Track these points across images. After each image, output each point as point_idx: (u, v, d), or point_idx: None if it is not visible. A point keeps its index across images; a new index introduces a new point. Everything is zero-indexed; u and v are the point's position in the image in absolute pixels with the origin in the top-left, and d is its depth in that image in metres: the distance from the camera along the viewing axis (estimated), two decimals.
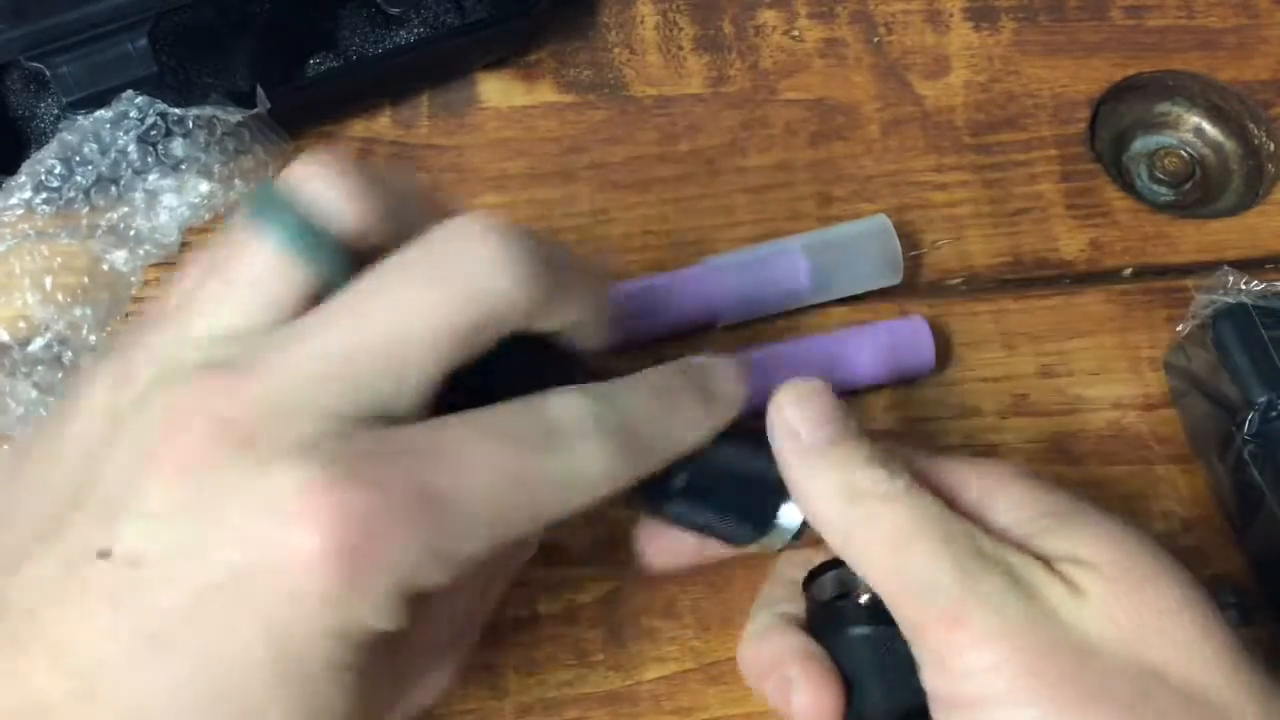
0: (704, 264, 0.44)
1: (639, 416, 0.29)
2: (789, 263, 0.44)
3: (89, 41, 0.42)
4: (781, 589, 0.35)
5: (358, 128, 0.48)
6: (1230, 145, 0.51)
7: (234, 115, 0.42)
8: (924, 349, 0.43)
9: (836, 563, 0.33)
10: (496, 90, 0.49)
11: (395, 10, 0.47)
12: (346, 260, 0.27)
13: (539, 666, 0.39)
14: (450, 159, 0.48)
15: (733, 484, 0.32)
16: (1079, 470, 0.43)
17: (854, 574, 0.31)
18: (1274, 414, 0.39)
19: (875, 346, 0.43)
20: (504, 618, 0.39)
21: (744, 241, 0.46)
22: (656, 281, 0.44)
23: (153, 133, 0.42)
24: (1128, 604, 0.29)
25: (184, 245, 0.43)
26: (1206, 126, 0.51)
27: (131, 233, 0.42)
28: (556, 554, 0.40)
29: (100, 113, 0.42)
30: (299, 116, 0.47)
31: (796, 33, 0.51)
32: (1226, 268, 0.42)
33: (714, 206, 0.47)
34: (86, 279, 0.41)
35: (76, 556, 0.25)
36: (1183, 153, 0.50)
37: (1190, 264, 0.47)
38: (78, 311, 0.41)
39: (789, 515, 0.32)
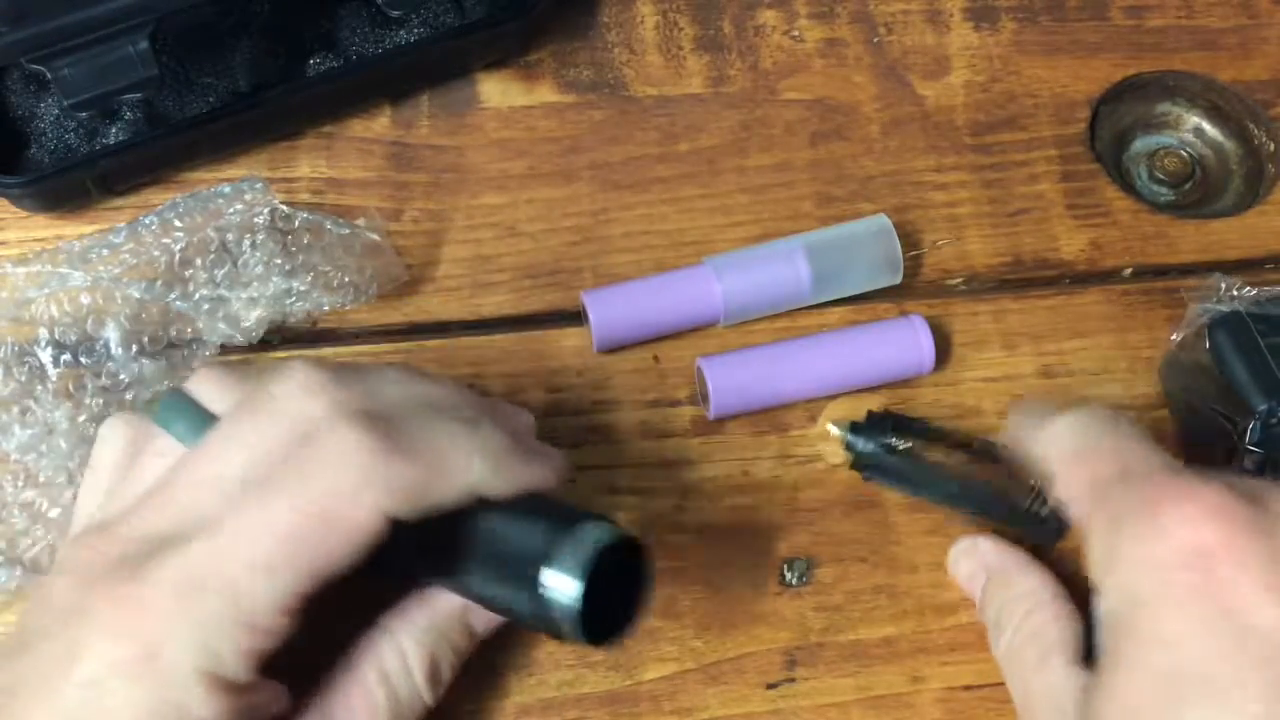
0: (704, 264, 0.44)
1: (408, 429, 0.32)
2: (789, 262, 0.44)
3: (90, 44, 0.42)
4: None
5: (358, 128, 0.48)
6: (1230, 145, 0.51)
7: (344, 228, 0.42)
8: (924, 349, 0.43)
9: None
10: (496, 90, 0.49)
11: (395, 11, 0.46)
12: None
13: (539, 666, 0.39)
14: (450, 159, 0.48)
15: (500, 549, 0.32)
16: None
17: None
18: (1275, 421, 0.39)
19: (875, 346, 0.43)
20: None
21: (744, 241, 0.46)
22: (657, 282, 0.44)
23: (257, 220, 0.41)
24: None
25: (263, 342, 0.43)
26: (1206, 126, 0.51)
27: (217, 311, 0.41)
28: None
29: (221, 187, 0.42)
30: (299, 116, 0.48)
31: (796, 33, 0.51)
32: (1218, 274, 0.42)
33: (714, 206, 0.47)
34: (159, 332, 0.42)
35: None
36: (1183, 153, 0.50)
37: (1190, 264, 0.47)
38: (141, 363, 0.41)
39: (553, 581, 0.31)
